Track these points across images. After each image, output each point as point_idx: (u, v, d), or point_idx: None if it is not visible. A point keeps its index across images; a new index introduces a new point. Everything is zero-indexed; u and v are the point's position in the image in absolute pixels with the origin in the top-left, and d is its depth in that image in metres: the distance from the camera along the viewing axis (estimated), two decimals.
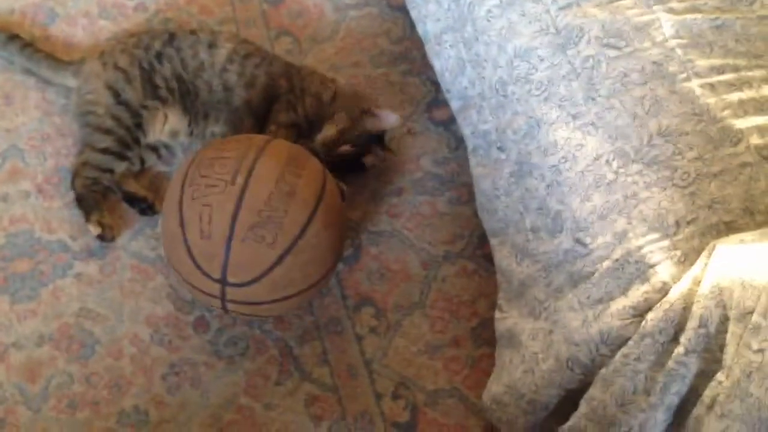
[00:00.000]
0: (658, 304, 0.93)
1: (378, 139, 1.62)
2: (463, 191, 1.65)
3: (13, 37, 1.68)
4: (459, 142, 1.70)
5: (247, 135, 1.41)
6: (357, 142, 1.58)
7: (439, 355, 1.48)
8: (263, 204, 1.24)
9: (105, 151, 1.55)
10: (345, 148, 1.57)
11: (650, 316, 0.94)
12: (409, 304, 1.53)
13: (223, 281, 1.26)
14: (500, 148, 1.27)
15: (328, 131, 1.58)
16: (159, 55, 1.59)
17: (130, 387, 1.40)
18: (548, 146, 1.14)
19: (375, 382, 1.45)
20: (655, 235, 0.98)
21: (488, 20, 1.29)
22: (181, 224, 1.27)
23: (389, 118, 1.60)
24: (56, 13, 1.79)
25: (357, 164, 1.61)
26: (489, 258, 1.49)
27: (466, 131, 1.45)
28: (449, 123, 1.73)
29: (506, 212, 1.27)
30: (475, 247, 1.59)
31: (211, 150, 1.33)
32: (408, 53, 1.82)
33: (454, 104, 1.50)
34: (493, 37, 1.28)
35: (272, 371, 1.44)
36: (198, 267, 1.27)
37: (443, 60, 1.50)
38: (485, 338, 1.48)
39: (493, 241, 1.36)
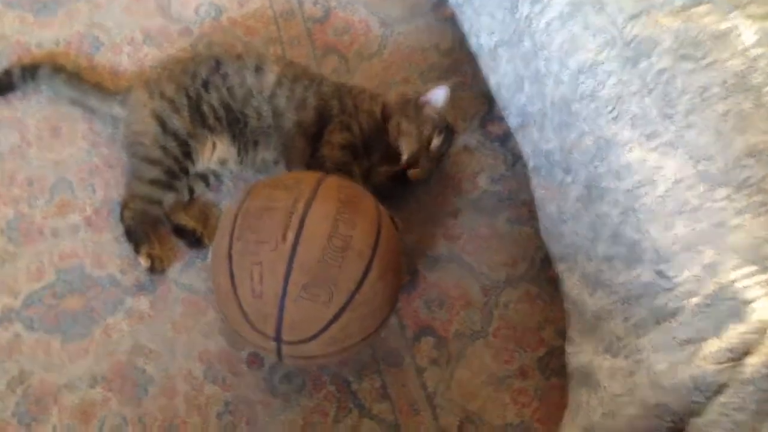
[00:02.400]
0: (759, 347, 0.84)
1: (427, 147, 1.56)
2: (524, 210, 1.57)
3: (59, 69, 1.66)
4: (517, 157, 1.62)
5: (297, 177, 1.34)
6: (439, 136, 1.54)
7: (505, 387, 1.40)
8: (316, 262, 1.17)
9: (153, 182, 1.51)
10: (435, 142, 1.54)
11: (750, 360, 0.84)
12: (470, 332, 1.46)
13: (277, 339, 1.20)
14: (566, 170, 1.19)
15: (407, 146, 1.52)
16: (206, 84, 1.55)
17: (185, 427, 1.36)
18: (621, 169, 1.05)
19: (439, 418, 1.38)
20: (751, 268, 0.88)
21: (548, 34, 1.21)
22: (232, 281, 1.21)
23: (438, 94, 1.54)
24: (101, 42, 1.76)
25: (401, 179, 1.54)
26: (554, 282, 1.40)
27: (526, 149, 1.37)
28: (505, 138, 1.66)
29: (574, 238, 1.18)
30: (539, 270, 1.51)
31: (258, 198, 1.27)
32: (458, 66, 1.75)
33: (512, 121, 1.42)
34: (553, 52, 1.20)
35: (330, 408, 1.38)
36: (251, 325, 1.21)
37: (499, 75, 1.42)
38: (554, 368, 1.39)
39: (560, 267, 1.27)
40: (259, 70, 1.56)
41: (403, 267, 1.42)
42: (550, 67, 1.21)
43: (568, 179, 1.18)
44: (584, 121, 1.13)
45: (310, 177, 1.32)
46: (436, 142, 1.53)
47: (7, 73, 1.65)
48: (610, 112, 1.08)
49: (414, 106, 1.55)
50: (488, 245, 1.55)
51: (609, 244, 1.08)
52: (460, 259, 1.54)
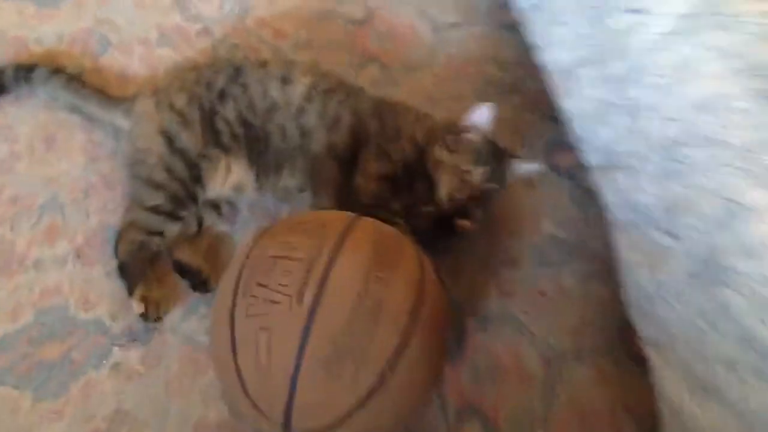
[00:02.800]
0: None
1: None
2: (598, 264, 1.30)
3: (58, 70, 1.44)
4: (591, 196, 1.34)
5: (322, 218, 1.09)
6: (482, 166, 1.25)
7: None
8: (340, 330, 0.92)
9: (155, 209, 1.27)
10: (476, 175, 1.25)
11: None
12: (527, 417, 1.18)
13: (286, 425, 0.95)
14: (669, 234, 0.91)
15: (445, 182, 1.25)
16: (222, 95, 1.31)
17: None
18: (756, 245, 0.77)
19: None
20: None
21: (652, 54, 0.93)
22: (233, 348, 0.96)
23: (480, 115, 1.25)
24: (109, 41, 1.53)
25: (445, 228, 1.26)
26: (638, 360, 1.12)
27: (608, 197, 1.10)
28: (574, 171, 1.38)
29: (677, 324, 0.90)
30: (616, 342, 1.23)
31: (271, 245, 1.02)
32: (521, 83, 1.49)
33: (592, 158, 1.15)
34: (659, 78, 0.92)
35: None
36: (254, 406, 0.96)
37: (577, 101, 1.15)
38: None
39: (652, 353, 0.99)
40: (286, 80, 1.31)
41: (449, 334, 1.15)
42: (654, 98, 0.93)
43: (674, 246, 0.90)
44: (702, 174, 0.85)
45: (337, 219, 1.06)
46: (477, 175, 1.24)
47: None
48: (741, 163, 0.80)
49: (453, 130, 1.29)
50: (551, 305, 1.28)
51: (735, 345, 0.80)
52: (516, 321, 1.27)
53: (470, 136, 1.26)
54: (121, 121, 1.37)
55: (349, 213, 1.09)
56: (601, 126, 1.09)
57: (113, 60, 1.51)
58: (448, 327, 1.08)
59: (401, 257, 1.02)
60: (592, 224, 1.33)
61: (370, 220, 1.08)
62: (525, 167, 1.29)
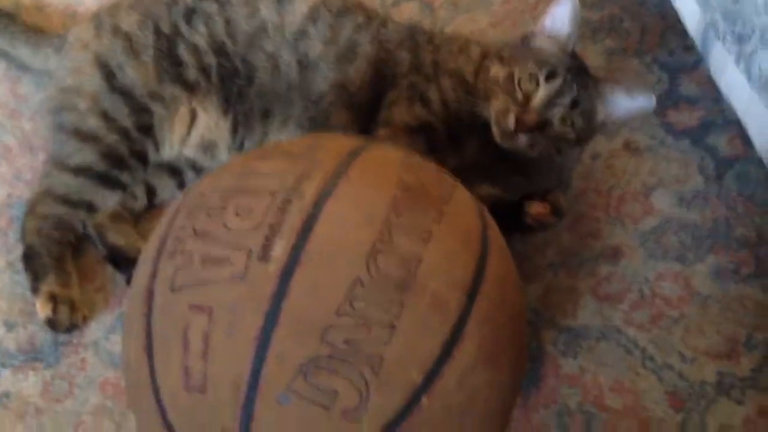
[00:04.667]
0: None
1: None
2: (744, 256, 0.87)
3: None
4: (724, 164, 0.94)
5: (314, 140, 0.67)
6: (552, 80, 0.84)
7: None
8: (333, 314, 0.52)
9: (82, 170, 0.91)
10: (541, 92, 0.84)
11: None
12: None
13: None
14: None
15: (495, 104, 0.86)
16: (190, 12, 0.94)
17: None
18: None
19: None
20: None
21: None
22: (148, 345, 0.57)
23: (560, 12, 0.87)
24: None
25: (513, 220, 0.83)
26: None
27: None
28: (700, 132, 0.98)
29: None
30: None
31: (228, 173, 0.62)
32: (615, 23, 1.11)
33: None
34: None
35: None
36: None
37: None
38: None
39: None
40: None
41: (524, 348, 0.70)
42: None
43: None
44: None
45: (340, 141, 0.65)
46: (546, 91, 0.83)
47: None
48: None
49: (519, 41, 0.91)
50: (679, 315, 0.84)
51: None
52: (625, 339, 0.83)
53: (540, 41, 0.87)
54: (54, 61, 0.99)
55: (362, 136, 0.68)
56: None
57: None
58: (524, 323, 0.63)
59: (447, 199, 0.59)
60: (733, 202, 0.90)
61: (391, 144, 0.66)
62: (629, 102, 0.86)
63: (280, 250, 0.52)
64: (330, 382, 0.50)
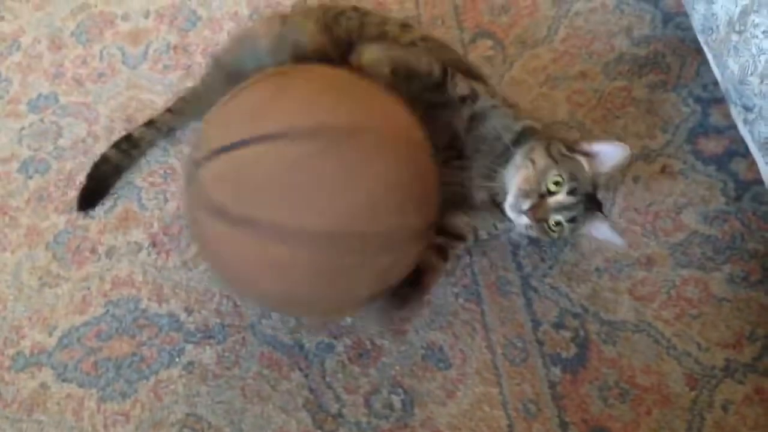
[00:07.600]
0: None
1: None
2: (754, 266, 1.08)
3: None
4: (744, 187, 1.14)
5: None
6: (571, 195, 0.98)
7: None
8: None
9: None
10: (560, 197, 0.98)
11: None
12: None
13: None
14: None
15: (522, 181, 1.00)
16: None
17: None
18: None
19: None
20: None
21: None
22: None
23: (614, 151, 0.99)
24: (198, 16, 1.42)
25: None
26: None
27: None
28: (725, 159, 1.16)
29: None
30: None
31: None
32: (658, 59, 1.28)
33: (764, 130, 0.93)
34: None
35: None
36: None
37: (745, 59, 0.94)
38: None
39: None
40: None
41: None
42: None
43: None
44: None
45: None
46: (560, 198, 0.98)
47: None
48: None
49: (568, 143, 1.03)
50: (698, 313, 1.06)
51: None
52: (654, 330, 1.06)
53: (582, 156, 1.00)
54: None
55: None
56: None
57: (200, 37, 1.39)
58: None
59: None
60: (748, 220, 1.10)
61: None
62: (607, 232, 1.02)
63: None
64: None
